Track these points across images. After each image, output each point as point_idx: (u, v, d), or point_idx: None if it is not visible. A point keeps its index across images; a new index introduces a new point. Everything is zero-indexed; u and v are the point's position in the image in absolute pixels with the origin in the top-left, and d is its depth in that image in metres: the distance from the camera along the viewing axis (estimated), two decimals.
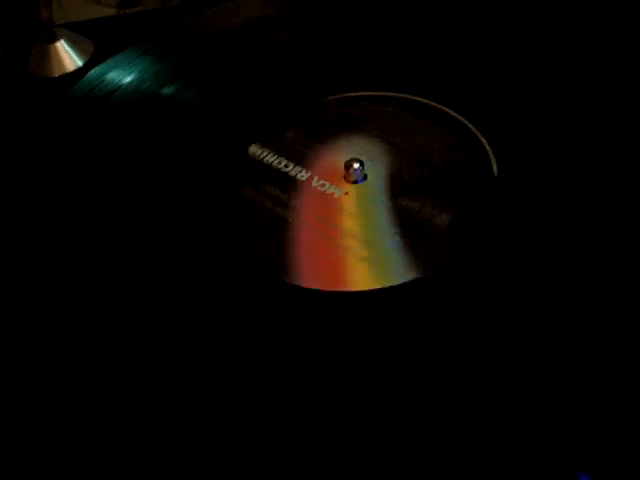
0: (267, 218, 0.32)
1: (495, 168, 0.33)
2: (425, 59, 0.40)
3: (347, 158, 0.33)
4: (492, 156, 0.33)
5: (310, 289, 0.29)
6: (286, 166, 0.34)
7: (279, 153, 0.35)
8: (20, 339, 0.29)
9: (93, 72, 0.41)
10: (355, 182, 0.33)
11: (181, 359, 0.27)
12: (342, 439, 0.24)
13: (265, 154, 0.35)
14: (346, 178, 0.33)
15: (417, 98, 0.37)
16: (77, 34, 0.46)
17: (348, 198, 0.32)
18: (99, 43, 0.47)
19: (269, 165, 0.34)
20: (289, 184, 0.33)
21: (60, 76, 0.44)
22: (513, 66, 0.38)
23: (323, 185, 0.33)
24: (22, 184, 0.36)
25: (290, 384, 0.26)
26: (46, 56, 0.45)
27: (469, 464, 0.23)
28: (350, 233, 0.31)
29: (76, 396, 0.27)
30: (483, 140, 0.34)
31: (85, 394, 0.27)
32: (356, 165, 0.32)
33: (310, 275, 0.29)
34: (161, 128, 0.39)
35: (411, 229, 0.31)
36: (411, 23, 0.43)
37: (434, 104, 0.36)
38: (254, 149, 0.35)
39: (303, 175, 0.34)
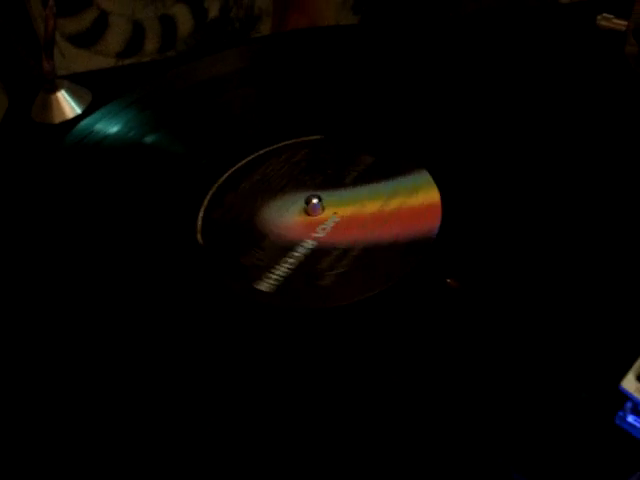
0: (356, 271, 0.35)
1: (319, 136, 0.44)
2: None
3: (290, 215, 0.39)
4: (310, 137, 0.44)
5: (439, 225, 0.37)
6: (293, 258, 0.37)
7: (278, 262, 0.36)
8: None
9: (83, 123, 0.47)
10: (323, 210, 0.39)
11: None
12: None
13: (277, 276, 0.36)
14: (314, 215, 0.38)
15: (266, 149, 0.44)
16: (76, 84, 0.51)
17: (342, 212, 0.39)
18: (100, 91, 0.51)
19: (294, 268, 0.36)
20: (322, 252, 0.37)
21: (61, 123, 0.49)
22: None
23: (324, 228, 0.38)
24: (20, 218, 0.41)
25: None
26: (48, 104, 0.50)
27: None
28: (382, 208, 0.38)
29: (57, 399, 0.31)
30: (300, 139, 0.44)
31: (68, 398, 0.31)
32: (315, 200, 0.37)
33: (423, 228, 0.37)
34: (144, 174, 0.44)
35: (379, 175, 0.41)
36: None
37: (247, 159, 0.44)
38: (268, 285, 0.35)
39: (310, 244, 0.37)
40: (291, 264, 0.36)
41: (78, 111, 0.50)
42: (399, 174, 0.40)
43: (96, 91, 0.52)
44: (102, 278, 0.37)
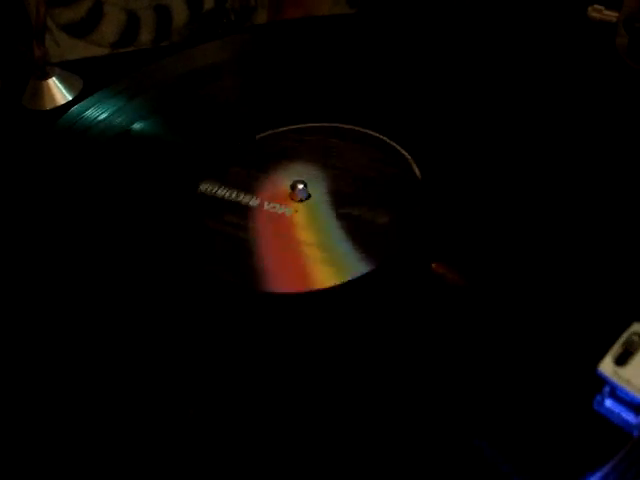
0: (231, 242, 0.37)
1: (418, 172, 0.40)
2: (338, 90, 0.47)
3: (289, 182, 0.39)
4: (413, 163, 0.40)
5: (280, 294, 0.34)
6: (237, 196, 0.39)
7: (228, 186, 0.40)
8: None
9: (74, 109, 0.46)
10: (301, 201, 0.38)
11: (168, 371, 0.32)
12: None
13: (216, 189, 0.40)
14: (292, 198, 0.38)
15: (338, 125, 0.43)
16: (67, 71, 0.51)
17: (298, 215, 0.38)
18: (93, 79, 0.51)
19: (222, 198, 0.39)
20: (245, 211, 0.38)
21: (51, 109, 0.49)
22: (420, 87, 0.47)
23: (274, 207, 0.38)
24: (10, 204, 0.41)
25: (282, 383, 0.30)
26: (39, 91, 0.50)
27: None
28: (306, 242, 0.36)
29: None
30: (403, 152, 0.41)
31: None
32: (300, 186, 0.37)
33: (278, 282, 0.35)
34: (131, 160, 0.44)
35: (357, 231, 0.37)
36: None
37: (356, 128, 0.43)
38: (205, 186, 0.40)
39: (254, 202, 0.39)
40: (228, 196, 0.39)
41: (69, 97, 0.50)
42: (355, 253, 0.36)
43: (87, 78, 0.52)
44: (96, 254, 0.38)
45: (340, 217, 0.37)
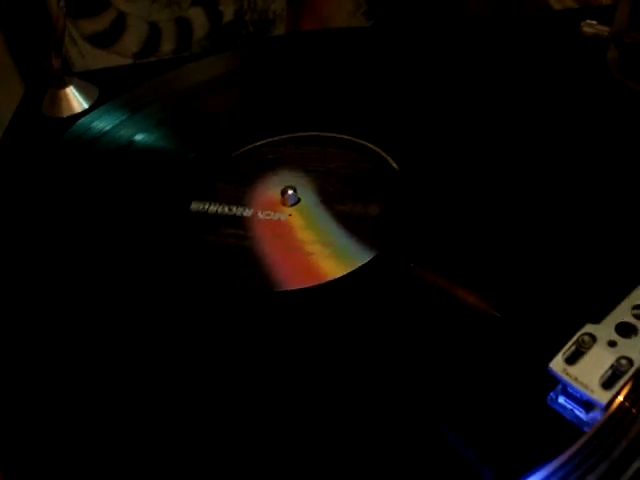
0: (237, 251, 0.38)
1: (395, 166, 0.42)
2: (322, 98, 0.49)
3: (276, 190, 0.41)
4: (388, 158, 0.43)
5: (296, 290, 0.36)
6: (230, 210, 0.41)
7: (217, 202, 0.41)
8: None
9: (81, 121, 0.49)
10: (292, 205, 0.40)
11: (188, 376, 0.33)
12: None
13: (207, 206, 0.41)
14: (284, 204, 0.39)
15: (314, 133, 0.45)
16: (84, 81, 0.53)
17: (293, 218, 0.40)
18: (111, 88, 0.53)
19: (215, 213, 0.41)
20: (240, 222, 0.40)
21: (69, 116, 0.51)
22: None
23: (268, 215, 0.40)
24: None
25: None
26: (57, 99, 0.52)
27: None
28: (307, 242, 0.38)
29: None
30: (377, 149, 0.44)
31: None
32: (290, 191, 0.39)
33: (291, 280, 0.36)
34: (132, 171, 0.46)
35: (352, 224, 0.39)
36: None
37: (330, 134, 0.45)
38: (196, 205, 0.41)
39: (247, 212, 0.40)
40: (221, 211, 0.41)
41: (85, 106, 0.52)
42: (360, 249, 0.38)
43: (106, 88, 0.54)
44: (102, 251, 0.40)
45: (334, 214, 0.39)
